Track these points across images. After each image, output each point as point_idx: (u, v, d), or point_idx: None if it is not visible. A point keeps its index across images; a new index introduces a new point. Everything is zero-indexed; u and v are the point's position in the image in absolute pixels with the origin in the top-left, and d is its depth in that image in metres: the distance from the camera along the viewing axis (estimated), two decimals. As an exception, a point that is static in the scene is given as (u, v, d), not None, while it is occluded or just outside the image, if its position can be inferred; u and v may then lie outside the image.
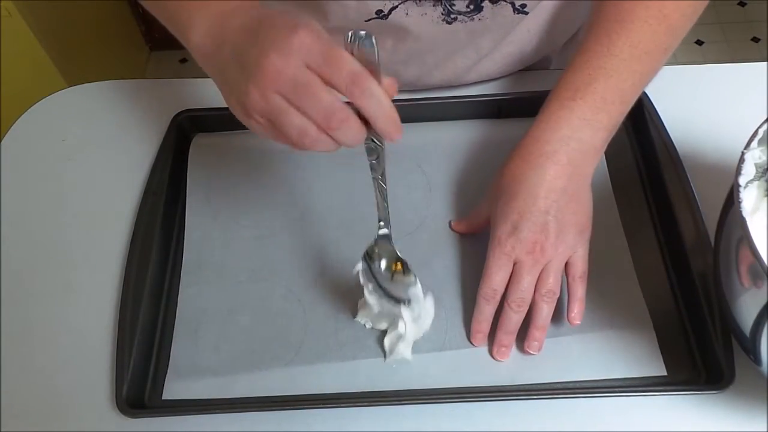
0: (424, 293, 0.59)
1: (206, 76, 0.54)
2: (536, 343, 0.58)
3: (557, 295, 0.59)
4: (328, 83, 0.45)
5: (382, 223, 0.56)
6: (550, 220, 0.58)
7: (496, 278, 0.58)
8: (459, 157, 0.71)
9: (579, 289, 0.59)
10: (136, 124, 0.77)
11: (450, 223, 0.67)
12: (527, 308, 0.59)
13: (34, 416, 0.59)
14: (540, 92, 0.63)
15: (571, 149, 0.58)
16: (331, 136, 0.46)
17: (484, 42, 0.72)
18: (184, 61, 2.06)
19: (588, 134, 0.58)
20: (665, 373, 0.58)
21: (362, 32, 0.45)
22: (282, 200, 0.69)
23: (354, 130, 0.45)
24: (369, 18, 0.68)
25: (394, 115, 0.46)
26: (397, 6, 0.67)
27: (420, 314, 0.58)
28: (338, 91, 0.45)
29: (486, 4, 0.67)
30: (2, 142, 0.77)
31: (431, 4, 0.67)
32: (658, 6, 0.59)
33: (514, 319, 0.58)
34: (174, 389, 0.59)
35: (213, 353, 0.61)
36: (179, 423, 0.57)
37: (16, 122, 0.78)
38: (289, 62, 0.44)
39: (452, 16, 0.67)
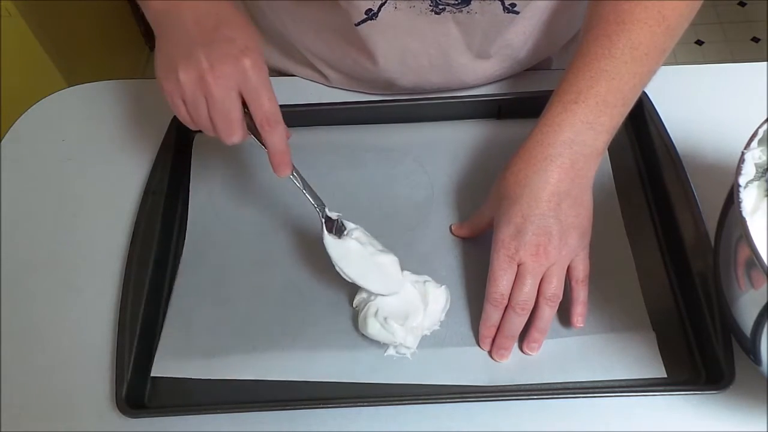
0: (439, 284, 0.60)
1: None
2: (535, 344, 0.59)
3: (560, 299, 0.59)
4: (248, 107, 0.56)
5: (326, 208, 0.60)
6: (553, 223, 0.58)
7: (502, 282, 0.58)
8: (461, 156, 0.71)
9: (581, 292, 0.59)
10: (136, 124, 0.77)
11: (450, 227, 0.67)
12: (530, 312, 0.58)
13: (34, 416, 0.59)
14: (540, 92, 0.63)
15: (574, 152, 0.58)
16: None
17: (475, 38, 0.71)
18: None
19: (590, 137, 0.58)
20: (665, 375, 0.58)
21: None
22: (283, 197, 0.69)
23: (234, 139, 0.57)
24: (360, 20, 0.69)
25: (284, 157, 0.57)
26: (385, 2, 0.67)
27: (426, 302, 0.59)
28: (253, 119, 0.56)
29: None
30: (2, 142, 0.77)
31: None
32: (657, 7, 0.59)
33: (516, 322, 0.58)
34: (163, 366, 0.59)
35: (206, 334, 0.61)
36: (179, 423, 0.57)
37: (16, 122, 0.78)
38: (223, 85, 0.54)
39: (440, 6, 0.67)
